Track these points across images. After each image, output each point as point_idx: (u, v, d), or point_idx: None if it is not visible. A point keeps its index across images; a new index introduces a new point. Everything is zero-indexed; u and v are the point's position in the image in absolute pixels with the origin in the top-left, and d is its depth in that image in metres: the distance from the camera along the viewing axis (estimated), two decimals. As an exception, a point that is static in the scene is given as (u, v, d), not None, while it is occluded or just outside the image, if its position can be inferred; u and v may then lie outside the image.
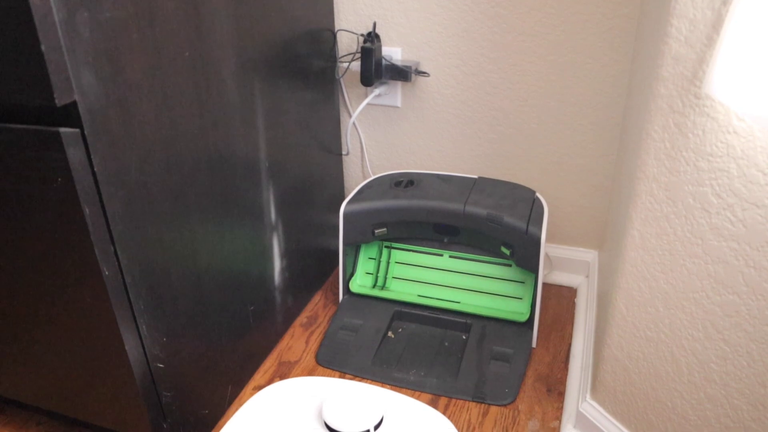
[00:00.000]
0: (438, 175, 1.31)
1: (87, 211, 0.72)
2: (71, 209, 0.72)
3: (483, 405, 1.11)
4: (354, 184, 1.57)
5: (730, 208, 0.68)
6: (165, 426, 0.94)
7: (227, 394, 1.10)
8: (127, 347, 0.82)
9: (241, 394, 1.15)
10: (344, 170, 1.56)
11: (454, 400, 1.12)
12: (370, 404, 0.86)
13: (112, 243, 0.76)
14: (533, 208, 1.20)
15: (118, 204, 0.76)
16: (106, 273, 0.76)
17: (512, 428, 1.06)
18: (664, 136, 0.75)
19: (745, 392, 0.73)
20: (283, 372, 1.20)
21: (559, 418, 1.08)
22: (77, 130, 0.69)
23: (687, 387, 0.81)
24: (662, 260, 0.79)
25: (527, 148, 1.36)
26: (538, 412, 1.10)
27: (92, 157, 0.71)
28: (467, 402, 1.12)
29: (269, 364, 1.22)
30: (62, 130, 0.67)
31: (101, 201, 0.73)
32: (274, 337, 1.26)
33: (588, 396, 1.01)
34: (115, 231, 0.76)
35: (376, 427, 0.85)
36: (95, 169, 0.71)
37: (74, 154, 0.69)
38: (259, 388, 1.16)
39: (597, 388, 0.98)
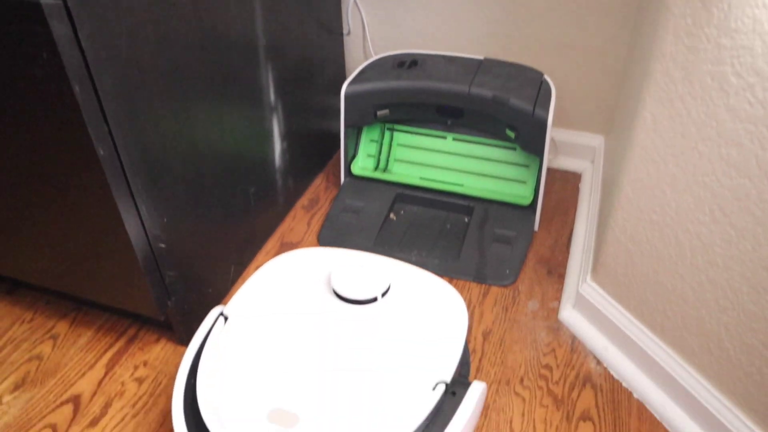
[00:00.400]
0: (442, 56, 1.26)
1: (77, 88, 0.68)
2: (61, 87, 0.69)
3: (484, 285, 1.13)
4: (355, 65, 1.51)
5: (750, 89, 0.65)
6: (169, 304, 0.95)
7: (230, 274, 1.12)
8: (127, 227, 0.82)
9: (244, 273, 1.17)
10: (345, 50, 1.50)
11: (455, 281, 1.14)
12: (377, 273, 0.88)
13: (106, 122, 0.74)
14: (540, 91, 1.16)
15: (109, 81, 0.72)
16: (102, 153, 0.74)
17: (512, 308, 1.09)
18: (686, 11, 0.71)
19: (747, 275, 0.73)
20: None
21: (558, 299, 1.10)
22: (59, 1, 0.64)
23: (689, 270, 0.81)
24: (673, 143, 0.77)
25: (536, 28, 1.30)
26: (538, 292, 1.12)
27: (78, 31, 0.67)
28: (468, 282, 1.13)
29: (271, 245, 1.23)
30: (43, 1, 0.63)
31: (91, 78, 0.70)
32: (275, 218, 1.26)
33: (588, 278, 1.02)
34: (108, 110, 0.73)
35: (384, 294, 0.87)
36: (82, 44, 0.67)
37: (58, 27, 0.65)
38: (262, 268, 1.18)
39: (598, 270, 0.99)
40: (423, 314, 0.86)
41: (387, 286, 0.87)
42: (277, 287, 0.90)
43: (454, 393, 0.78)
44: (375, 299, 0.86)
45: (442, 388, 0.76)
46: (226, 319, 0.85)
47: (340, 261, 0.90)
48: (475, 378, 0.97)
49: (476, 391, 0.79)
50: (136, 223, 0.84)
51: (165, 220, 0.89)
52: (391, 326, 0.84)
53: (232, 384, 0.77)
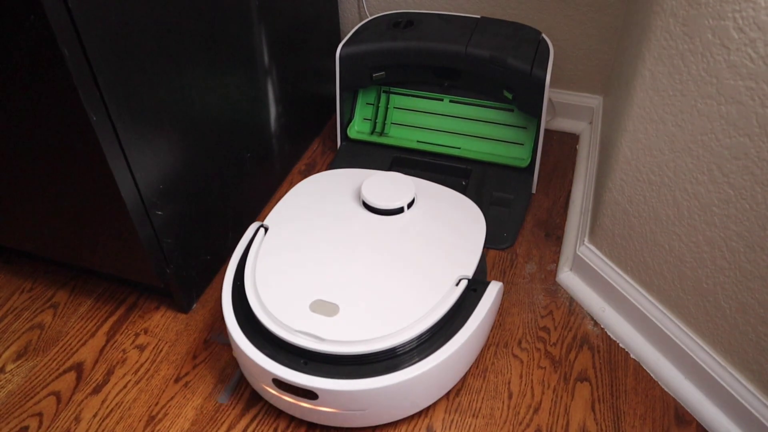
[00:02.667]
0: (439, 15, 1.24)
1: (66, 52, 0.67)
2: (50, 51, 0.67)
3: (481, 249, 1.13)
4: (350, 26, 1.49)
5: (752, 44, 0.64)
6: (168, 271, 0.95)
7: (228, 241, 1.12)
8: (123, 195, 0.82)
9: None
10: (339, 11, 1.47)
11: (452, 245, 1.14)
12: (403, 186, 0.98)
13: (97, 87, 0.73)
14: (538, 50, 1.14)
15: (99, 45, 0.71)
16: (94, 119, 0.74)
17: (510, 271, 1.09)
18: (687, -35, 0.69)
19: (744, 235, 0.73)
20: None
21: (556, 261, 1.10)
22: (45, -39, 0.63)
23: (686, 230, 0.81)
24: (672, 101, 0.76)
25: (535, -16, 1.28)
26: (536, 255, 1.12)
27: (64, -10, 0.65)
28: (466, 246, 1.13)
29: (268, 210, 1.23)
30: (29, -40, 0.62)
31: (81, 42, 0.69)
32: (272, 183, 1.25)
33: (586, 240, 1.02)
34: (99, 75, 0.72)
35: (409, 205, 0.97)
36: (69, 6, 0.66)
37: (45, -12, 0.63)
38: (260, 234, 1.18)
39: (595, 231, 0.99)
40: (445, 222, 0.95)
41: (412, 198, 0.97)
42: (310, 202, 0.99)
43: (474, 290, 0.88)
44: (402, 209, 0.96)
45: (464, 284, 0.86)
46: (266, 230, 0.95)
47: (369, 178, 1.00)
48: (474, 340, 0.98)
49: (494, 288, 0.89)
50: (132, 191, 0.83)
51: (161, 186, 0.88)
52: (416, 232, 0.93)
53: (276, 282, 0.86)
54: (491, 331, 0.99)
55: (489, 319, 0.89)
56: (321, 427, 0.87)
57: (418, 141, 1.30)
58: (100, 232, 0.90)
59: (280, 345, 0.81)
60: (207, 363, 0.96)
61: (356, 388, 0.77)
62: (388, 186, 0.98)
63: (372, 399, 0.79)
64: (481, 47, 1.13)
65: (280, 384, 0.80)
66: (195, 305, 1.05)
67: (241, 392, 0.92)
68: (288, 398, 0.82)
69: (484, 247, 1.12)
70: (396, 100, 1.32)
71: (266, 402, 0.90)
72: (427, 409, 0.89)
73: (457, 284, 0.86)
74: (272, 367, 0.79)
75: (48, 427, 0.89)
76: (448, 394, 0.91)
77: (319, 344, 0.79)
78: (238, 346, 0.82)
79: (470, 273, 0.88)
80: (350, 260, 0.89)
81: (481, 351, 0.96)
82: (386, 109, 1.33)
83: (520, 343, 0.97)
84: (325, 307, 0.82)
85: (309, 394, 0.79)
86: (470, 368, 0.94)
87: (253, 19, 1.03)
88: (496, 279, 1.07)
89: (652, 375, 0.92)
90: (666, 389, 0.90)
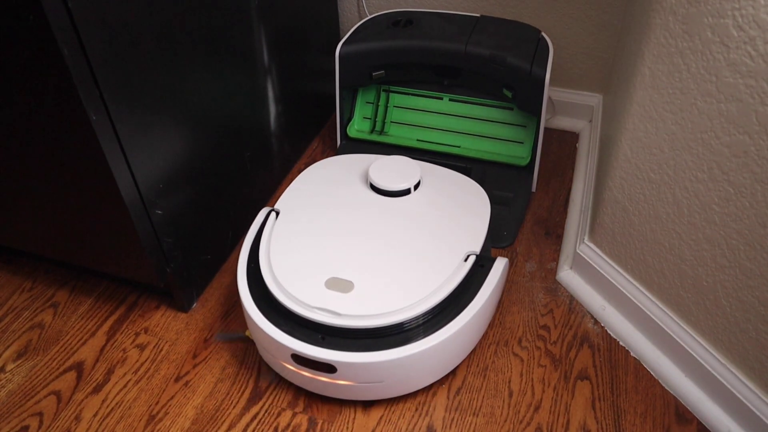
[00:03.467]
0: (438, 14, 1.24)
1: (66, 52, 0.67)
2: (49, 51, 0.67)
3: (481, 248, 1.13)
4: (350, 25, 1.49)
5: (752, 42, 0.64)
6: (168, 271, 0.95)
7: (228, 239, 1.12)
8: (123, 194, 0.81)
9: (242, 239, 1.16)
10: (339, 9, 1.47)
11: (452, 244, 1.14)
12: (409, 169, 1.02)
13: (97, 86, 0.73)
14: (538, 48, 1.14)
15: (99, 45, 0.71)
16: (94, 118, 0.73)
17: (510, 269, 1.09)
18: (686, -37, 0.69)
19: (744, 233, 0.73)
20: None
21: (556, 260, 1.10)
22: (45, -40, 0.63)
23: (686, 228, 0.81)
24: (672, 99, 0.76)
25: (534, -18, 1.27)
26: (536, 254, 1.12)
27: (65, -9, 0.65)
28: (466, 245, 1.13)
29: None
30: (28, -40, 0.62)
31: (80, 41, 0.69)
32: (272, 183, 1.25)
33: (586, 238, 1.02)
34: (98, 74, 0.72)
35: (416, 186, 1.00)
36: (69, 5, 0.65)
37: (44, -12, 0.63)
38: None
39: (595, 230, 0.99)
40: (450, 202, 0.99)
41: (418, 180, 1.00)
42: (319, 186, 1.03)
43: (482, 265, 0.91)
44: (408, 191, 1.00)
45: (472, 259, 0.90)
46: (277, 214, 0.98)
47: (375, 161, 1.03)
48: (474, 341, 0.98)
49: (501, 263, 0.92)
50: (132, 190, 0.83)
51: (161, 186, 0.88)
52: (423, 212, 0.97)
53: (290, 262, 0.89)
54: (491, 329, 0.99)
55: (497, 292, 0.93)
56: (322, 423, 0.87)
57: (418, 140, 1.30)
58: (100, 232, 0.90)
59: (297, 322, 0.84)
60: (207, 362, 0.96)
61: (373, 360, 0.81)
62: (395, 169, 1.01)
63: (389, 370, 0.83)
64: (481, 46, 1.13)
65: (299, 359, 0.83)
66: (195, 304, 1.05)
67: (242, 392, 0.92)
68: (306, 373, 0.85)
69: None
70: (396, 98, 1.32)
71: (266, 402, 0.90)
72: (428, 407, 0.89)
73: (465, 260, 0.90)
74: (291, 343, 0.82)
75: (48, 427, 0.89)
76: (448, 392, 0.91)
77: (336, 319, 0.82)
78: (256, 325, 0.85)
79: (477, 249, 0.91)
80: (361, 240, 0.92)
81: (482, 348, 0.96)
82: (386, 107, 1.33)
83: (520, 341, 0.97)
84: (340, 284, 0.86)
85: (328, 368, 0.82)
86: (470, 365, 0.94)
87: (253, 18, 1.03)
88: (496, 277, 1.07)
89: (652, 373, 0.92)
90: (666, 387, 0.90)
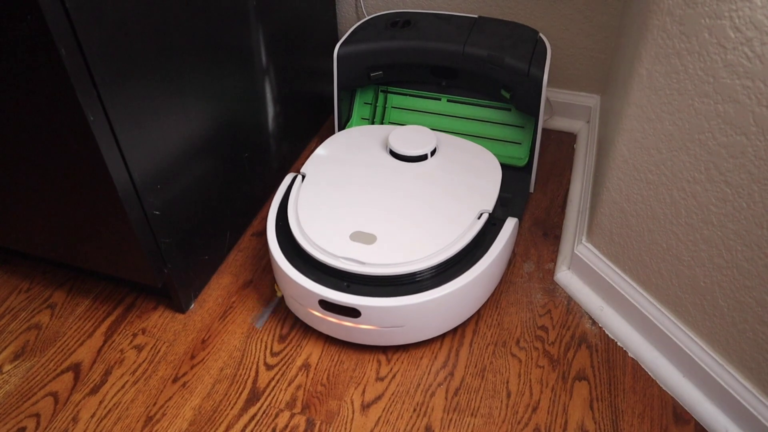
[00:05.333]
0: (436, 15, 1.24)
1: (63, 51, 0.67)
2: (47, 50, 0.67)
3: (479, 248, 1.13)
4: (348, 26, 1.49)
5: (749, 43, 0.64)
6: (166, 271, 0.95)
7: (226, 240, 1.11)
8: (120, 195, 0.81)
9: (240, 240, 1.16)
10: (337, 10, 1.47)
11: (450, 244, 1.14)
12: (426, 137, 1.09)
13: (95, 86, 0.73)
14: (536, 49, 1.14)
15: (96, 44, 0.71)
16: (92, 119, 0.73)
17: (508, 270, 1.09)
18: (684, -36, 0.69)
19: (741, 233, 0.73)
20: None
21: (554, 261, 1.10)
22: (42, -40, 0.63)
23: (684, 229, 0.81)
24: (670, 100, 0.76)
25: (532, -17, 1.28)
26: (534, 254, 1.12)
27: (62, -9, 0.65)
28: (464, 246, 1.13)
29: (267, 210, 1.23)
30: (25, -40, 0.61)
31: (78, 40, 0.69)
32: (270, 183, 1.25)
33: (584, 239, 1.02)
34: (96, 74, 0.72)
35: (432, 153, 1.08)
36: (66, 5, 0.65)
37: (42, -12, 0.63)
38: (258, 234, 1.18)
39: (593, 230, 0.99)
40: (464, 166, 1.07)
41: (434, 147, 1.08)
42: (341, 152, 1.10)
43: (494, 224, 0.99)
44: (425, 156, 1.07)
45: (486, 216, 0.97)
46: (303, 177, 1.05)
47: (394, 130, 1.11)
48: (472, 341, 0.98)
49: (511, 222, 1.00)
50: (130, 191, 0.83)
51: (158, 186, 0.88)
52: (439, 175, 1.05)
53: (317, 218, 0.97)
54: (489, 330, 0.99)
55: (508, 248, 1.01)
56: (320, 424, 0.87)
57: (415, 140, 1.30)
58: (97, 232, 0.90)
59: (324, 271, 0.92)
60: (205, 363, 0.96)
61: (395, 304, 0.88)
62: (413, 137, 1.09)
63: (407, 315, 0.90)
64: (479, 47, 1.13)
65: (326, 305, 0.91)
66: (193, 305, 1.05)
67: (240, 393, 0.92)
68: (332, 318, 0.93)
69: (482, 246, 1.13)
70: (394, 99, 1.32)
71: (264, 403, 0.90)
72: (426, 408, 0.89)
73: (479, 217, 0.97)
74: (319, 289, 0.90)
75: (45, 428, 0.89)
76: (446, 393, 0.91)
77: (361, 267, 0.90)
78: (287, 276, 0.92)
79: (490, 207, 0.99)
80: (383, 198, 1.00)
81: (480, 349, 0.96)
82: (384, 108, 1.33)
83: (518, 342, 0.97)
84: (364, 237, 0.93)
85: (352, 312, 0.90)
86: (469, 366, 0.94)
87: (251, 18, 1.03)
88: (494, 278, 1.07)
89: (650, 373, 0.92)
90: (664, 388, 0.90)
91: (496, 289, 1.05)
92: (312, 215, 0.97)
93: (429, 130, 1.10)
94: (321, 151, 1.11)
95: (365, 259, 0.90)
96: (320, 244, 0.92)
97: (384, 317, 0.90)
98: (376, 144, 1.11)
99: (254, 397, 0.91)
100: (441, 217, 0.96)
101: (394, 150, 1.07)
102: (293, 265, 0.93)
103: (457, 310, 0.95)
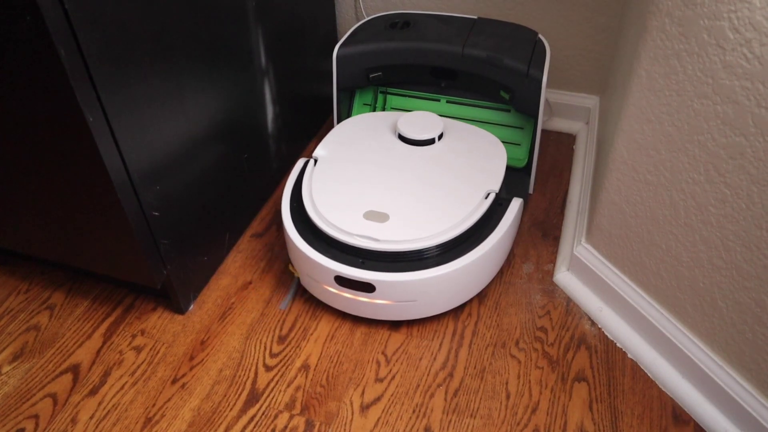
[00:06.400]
0: (435, 16, 1.24)
1: (62, 52, 0.67)
2: (46, 51, 0.67)
3: (478, 249, 1.13)
4: (347, 27, 1.49)
5: (748, 44, 0.64)
6: (165, 272, 0.95)
7: (225, 241, 1.11)
8: (120, 196, 0.81)
9: (240, 241, 1.16)
10: (336, 11, 1.47)
11: (450, 245, 1.14)
12: (433, 122, 1.13)
13: (94, 87, 0.73)
14: (535, 50, 1.14)
15: (95, 45, 0.71)
16: (91, 119, 0.73)
17: (507, 271, 1.09)
18: (683, -35, 0.69)
19: (740, 234, 0.73)
20: (280, 220, 1.20)
21: (553, 262, 1.10)
22: (41, -39, 0.63)
23: (683, 230, 0.81)
24: (669, 101, 0.76)
25: (531, -16, 1.28)
26: (533, 255, 1.12)
27: (61, -9, 0.65)
28: (463, 247, 1.13)
29: (266, 211, 1.23)
30: (24, -39, 0.61)
31: (77, 41, 0.69)
32: (269, 185, 1.25)
33: (583, 240, 1.02)
34: (95, 74, 0.72)
35: (440, 137, 1.12)
36: (66, 6, 0.65)
37: (41, -12, 0.63)
38: (257, 235, 1.18)
39: (592, 231, 0.99)
40: (471, 149, 1.10)
41: (441, 131, 1.12)
42: (351, 137, 1.14)
43: (500, 204, 1.03)
44: (433, 140, 1.11)
45: (492, 196, 1.01)
46: (315, 161, 1.08)
47: (402, 116, 1.14)
48: (471, 342, 0.98)
49: (516, 203, 1.04)
50: (129, 192, 0.83)
51: (158, 187, 0.88)
52: (447, 158, 1.09)
53: (332, 198, 1.01)
54: (489, 331, 0.99)
55: (514, 226, 1.04)
56: (319, 426, 0.87)
57: (415, 141, 1.30)
58: (96, 233, 0.90)
59: (339, 248, 0.96)
60: (204, 364, 0.96)
61: (409, 279, 0.92)
62: (421, 122, 1.12)
63: (420, 289, 0.94)
64: (478, 48, 1.13)
65: (342, 281, 0.94)
66: (192, 306, 1.05)
67: (239, 394, 0.92)
68: (347, 294, 0.97)
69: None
70: (393, 100, 1.32)
71: (263, 404, 0.90)
72: (425, 409, 0.89)
73: (486, 197, 1.01)
74: (335, 266, 0.94)
75: (44, 430, 0.88)
76: (446, 394, 0.91)
77: (375, 244, 0.93)
78: (303, 254, 0.96)
79: (497, 188, 1.02)
80: (394, 179, 1.04)
81: (480, 350, 0.96)
82: (383, 109, 1.33)
83: (517, 343, 0.97)
84: (377, 216, 0.97)
85: (367, 287, 0.94)
86: (468, 367, 0.94)
87: (250, 19, 1.03)
88: (494, 279, 1.07)
89: (649, 374, 0.92)
90: (663, 389, 0.90)
91: (496, 289, 1.05)
92: (326, 196, 1.01)
93: (436, 115, 1.14)
94: (331, 137, 1.14)
95: (379, 236, 0.94)
96: (336, 223, 0.96)
97: (398, 292, 0.94)
98: (386, 129, 1.15)
99: (253, 398, 0.91)
100: (450, 197, 1.00)
101: (402, 134, 1.11)
102: (309, 244, 0.97)
103: (467, 284, 0.99)
